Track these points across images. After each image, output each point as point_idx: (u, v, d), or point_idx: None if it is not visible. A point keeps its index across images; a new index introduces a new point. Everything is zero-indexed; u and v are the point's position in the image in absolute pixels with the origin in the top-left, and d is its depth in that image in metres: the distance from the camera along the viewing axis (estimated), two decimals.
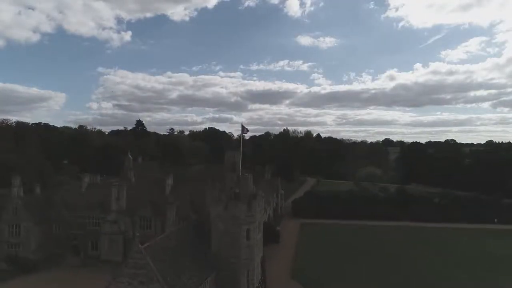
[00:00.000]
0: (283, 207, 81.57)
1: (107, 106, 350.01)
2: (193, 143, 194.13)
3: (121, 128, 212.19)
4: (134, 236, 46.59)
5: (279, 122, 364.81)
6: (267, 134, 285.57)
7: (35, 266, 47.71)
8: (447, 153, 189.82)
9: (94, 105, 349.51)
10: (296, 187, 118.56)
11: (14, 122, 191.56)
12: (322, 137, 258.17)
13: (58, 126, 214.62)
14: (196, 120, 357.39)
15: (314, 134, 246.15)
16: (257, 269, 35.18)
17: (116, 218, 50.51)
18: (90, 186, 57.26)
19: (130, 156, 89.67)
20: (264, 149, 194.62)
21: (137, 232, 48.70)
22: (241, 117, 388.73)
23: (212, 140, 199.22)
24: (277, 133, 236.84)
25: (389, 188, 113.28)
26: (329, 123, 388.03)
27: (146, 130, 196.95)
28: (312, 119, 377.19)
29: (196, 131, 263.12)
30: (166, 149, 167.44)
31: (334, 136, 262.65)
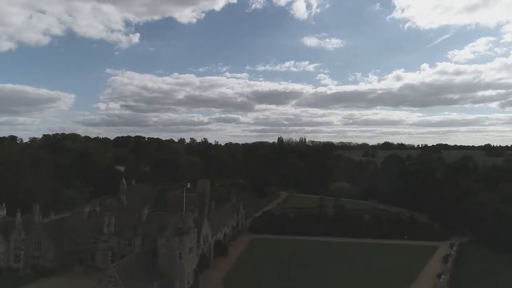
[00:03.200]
0: (243, 224, 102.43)
1: (115, 107, 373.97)
2: (188, 157, 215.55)
3: (125, 135, 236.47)
4: (119, 252, 67.88)
5: (285, 122, 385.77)
6: (260, 144, 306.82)
7: (51, 272, 69.26)
8: (418, 167, 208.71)
9: (102, 106, 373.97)
10: (267, 202, 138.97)
11: (28, 140, 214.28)
12: (321, 142, 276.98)
13: (67, 133, 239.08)
14: (202, 120, 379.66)
15: (314, 139, 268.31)
16: (189, 277, 56.19)
17: (107, 239, 72.00)
18: (90, 213, 78.78)
19: (124, 181, 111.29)
20: (251, 161, 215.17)
21: (122, 249, 69.93)
22: (248, 117, 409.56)
23: (204, 153, 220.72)
24: (274, 140, 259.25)
25: (344, 204, 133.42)
26: (335, 123, 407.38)
27: (145, 144, 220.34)
28: (319, 119, 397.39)
29: (193, 142, 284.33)
30: (163, 165, 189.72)
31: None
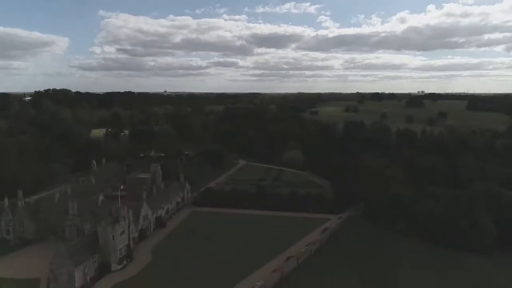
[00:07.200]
0: (188, 199, 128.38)
1: (110, 51, 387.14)
2: (163, 126, 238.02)
3: (115, 90, 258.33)
4: (81, 228, 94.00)
5: (285, 66, 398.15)
6: (238, 107, 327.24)
7: (32, 242, 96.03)
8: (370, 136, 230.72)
9: (97, 50, 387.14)
10: (220, 173, 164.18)
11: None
12: (310, 93, 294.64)
13: (58, 88, 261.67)
14: (201, 64, 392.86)
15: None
16: (121, 251, 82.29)
17: (72, 218, 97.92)
18: (61, 196, 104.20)
19: (94, 162, 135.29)
20: (220, 129, 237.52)
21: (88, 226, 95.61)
22: (247, 61, 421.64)
23: (179, 121, 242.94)
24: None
25: (284, 176, 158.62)
26: (336, 67, 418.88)
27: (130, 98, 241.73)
28: (319, 63, 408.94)
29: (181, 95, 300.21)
30: (139, 134, 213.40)
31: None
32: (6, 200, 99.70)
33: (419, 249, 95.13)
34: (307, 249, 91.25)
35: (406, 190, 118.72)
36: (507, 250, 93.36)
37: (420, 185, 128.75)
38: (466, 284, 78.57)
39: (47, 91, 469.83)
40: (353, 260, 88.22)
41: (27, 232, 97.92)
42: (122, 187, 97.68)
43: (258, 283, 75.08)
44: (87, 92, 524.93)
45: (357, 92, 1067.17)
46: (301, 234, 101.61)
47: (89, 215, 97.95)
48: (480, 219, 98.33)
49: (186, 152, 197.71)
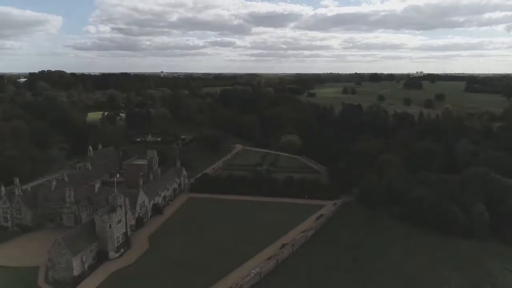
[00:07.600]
0: (185, 184, 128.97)
1: (105, 30, 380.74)
2: (159, 109, 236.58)
3: (111, 71, 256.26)
4: (79, 215, 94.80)
5: (283, 46, 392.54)
6: (235, 90, 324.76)
7: (30, 229, 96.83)
8: (368, 119, 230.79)
9: (92, 29, 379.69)
10: (217, 159, 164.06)
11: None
12: (308, 74, 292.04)
13: (53, 70, 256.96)
14: (198, 44, 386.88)
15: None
16: (118, 238, 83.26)
17: (70, 205, 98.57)
18: (57, 185, 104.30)
19: (90, 148, 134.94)
20: (216, 112, 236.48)
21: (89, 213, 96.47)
22: (244, 41, 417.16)
23: (174, 104, 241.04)
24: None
25: (280, 162, 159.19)
26: (335, 47, 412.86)
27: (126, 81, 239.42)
28: (318, 43, 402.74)
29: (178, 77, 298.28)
30: (135, 117, 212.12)
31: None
32: (2, 188, 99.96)
33: (411, 234, 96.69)
34: (302, 236, 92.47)
35: (402, 175, 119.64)
36: (499, 235, 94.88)
37: (416, 169, 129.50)
38: (453, 268, 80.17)
39: (41, 72, 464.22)
40: (347, 246, 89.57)
41: (25, 220, 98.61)
42: (118, 175, 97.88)
43: (253, 270, 76.39)
44: (82, 73, 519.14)
45: (355, 73, 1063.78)
46: (297, 220, 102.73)
47: (87, 202, 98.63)
48: (472, 205, 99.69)
49: (182, 137, 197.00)
